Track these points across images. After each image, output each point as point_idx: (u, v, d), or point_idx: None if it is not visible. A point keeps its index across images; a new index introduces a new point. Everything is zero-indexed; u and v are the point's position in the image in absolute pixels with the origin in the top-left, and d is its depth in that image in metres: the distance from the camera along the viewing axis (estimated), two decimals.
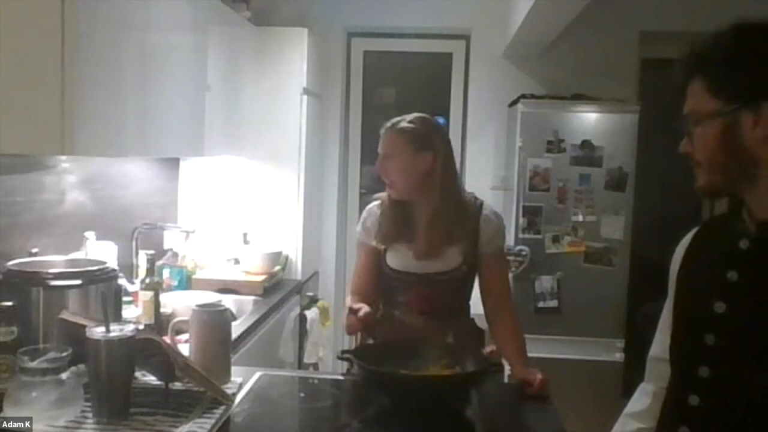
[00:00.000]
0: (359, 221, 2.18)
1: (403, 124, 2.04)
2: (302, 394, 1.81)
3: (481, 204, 2.07)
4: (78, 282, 1.75)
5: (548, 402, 1.78)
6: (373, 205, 2.15)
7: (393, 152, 2.02)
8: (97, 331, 1.49)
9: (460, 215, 2.02)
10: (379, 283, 2.11)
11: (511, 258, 3.71)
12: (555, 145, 3.68)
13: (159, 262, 2.74)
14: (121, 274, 2.03)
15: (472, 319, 2.16)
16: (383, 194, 2.12)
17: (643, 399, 1.35)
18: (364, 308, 1.89)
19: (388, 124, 2.06)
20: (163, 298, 2.33)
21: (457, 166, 2.19)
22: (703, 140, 1.09)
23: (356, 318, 1.88)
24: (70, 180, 2.42)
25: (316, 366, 3.47)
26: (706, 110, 1.08)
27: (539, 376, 1.81)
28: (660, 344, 1.30)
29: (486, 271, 2.06)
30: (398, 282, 2.07)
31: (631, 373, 3.33)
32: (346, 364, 1.95)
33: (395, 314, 2.09)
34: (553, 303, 3.71)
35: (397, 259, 2.06)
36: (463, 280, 2.06)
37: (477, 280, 2.10)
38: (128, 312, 2.30)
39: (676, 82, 1.14)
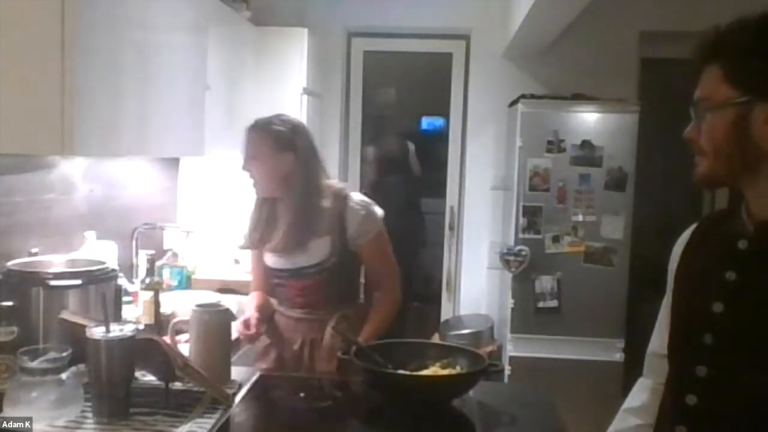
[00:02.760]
0: None
1: (266, 125, 2.08)
2: (302, 394, 1.81)
3: (347, 196, 2.10)
4: (78, 282, 1.75)
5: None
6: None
7: (256, 153, 2.07)
8: (97, 331, 1.49)
9: (322, 210, 2.06)
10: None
11: (511, 258, 3.72)
12: (555, 145, 3.67)
13: (159, 262, 2.74)
14: (121, 274, 2.04)
15: (362, 305, 2.20)
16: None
17: (641, 394, 1.34)
18: (252, 319, 2.05)
19: (252, 123, 2.11)
20: (163, 298, 2.34)
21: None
22: (712, 128, 1.07)
23: (247, 333, 2.04)
24: (69, 180, 2.42)
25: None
26: (719, 98, 1.06)
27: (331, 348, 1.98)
28: (658, 340, 1.29)
29: (363, 260, 2.13)
30: (275, 278, 2.17)
31: (631, 373, 3.32)
32: None
33: (280, 309, 2.18)
34: (553, 303, 3.71)
35: (270, 256, 2.15)
36: (334, 272, 2.08)
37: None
38: (128, 312, 2.30)
39: (678, 80, 1.12)
